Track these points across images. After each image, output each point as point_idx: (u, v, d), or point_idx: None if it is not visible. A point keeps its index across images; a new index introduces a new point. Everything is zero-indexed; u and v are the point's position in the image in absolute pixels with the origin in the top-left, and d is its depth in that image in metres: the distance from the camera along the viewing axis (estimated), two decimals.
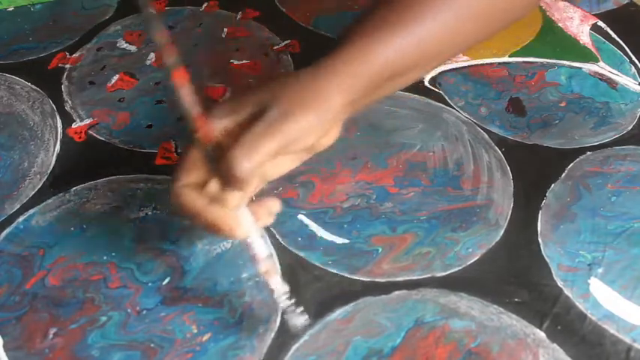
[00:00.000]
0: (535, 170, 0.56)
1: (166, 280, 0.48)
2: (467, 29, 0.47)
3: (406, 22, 0.44)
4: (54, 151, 0.58)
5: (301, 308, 0.44)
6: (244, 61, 0.67)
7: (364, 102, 0.45)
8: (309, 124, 0.41)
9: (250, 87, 0.43)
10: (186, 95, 0.40)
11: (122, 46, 0.68)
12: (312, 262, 0.49)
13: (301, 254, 0.50)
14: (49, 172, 0.56)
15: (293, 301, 0.44)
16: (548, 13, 0.73)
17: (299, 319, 0.44)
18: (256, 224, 0.43)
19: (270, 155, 0.40)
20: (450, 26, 0.45)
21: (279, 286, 0.43)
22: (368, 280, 0.48)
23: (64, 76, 0.65)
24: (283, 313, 0.44)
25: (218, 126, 0.42)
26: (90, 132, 0.59)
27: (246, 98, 0.42)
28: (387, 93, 0.48)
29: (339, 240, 0.51)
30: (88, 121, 0.60)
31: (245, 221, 0.42)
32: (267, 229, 0.51)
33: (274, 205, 0.45)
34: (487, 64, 0.67)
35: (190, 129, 0.41)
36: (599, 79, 0.65)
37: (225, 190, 0.41)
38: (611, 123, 0.61)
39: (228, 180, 0.40)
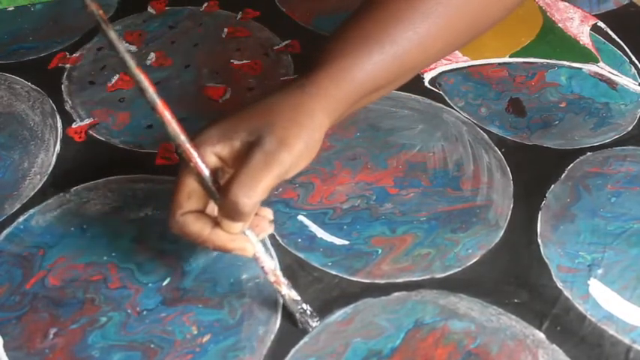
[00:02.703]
0: (535, 171, 0.56)
1: (166, 281, 0.48)
2: (438, 43, 0.48)
3: (382, 39, 0.45)
4: (54, 151, 0.58)
5: (311, 310, 0.45)
6: (244, 61, 0.67)
7: (345, 116, 0.47)
8: (300, 152, 0.41)
9: (240, 112, 0.44)
10: (175, 126, 0.41)
11: None
12: (311, 264, 0.49)
13: (301, 255, 0.50)
14: (49, 172, 0.56)
15: (303, 305, 0.45)
16: (548, 14, 0.73)
17: (311, 321, 0.45)
18: (259, 239, 0.44)
19: (270, 189, 0.41)
20: (423, 42, 0.47)
21: (289, 294, 0.45)
22: (368, 281, 0.48)
23: (64, 75, 0.65)
24: (295, 315, 0.45)
25: (211, 153, 0.42)
26: (90, 132, 0.59)
27: (238, 125, 0.42)
28: (366, 104, 0.49)
29: (339, 241, 0.51)
30: (88, 121, 0.60)
31: (251, 239, 0.43)
32: None
33: (269, 213, 0.46)
34: (487, 64, 0.67)
35: (183, 158, 0.41)
36: (599, 79, 0.65)
37: (227, 220, 0.41)
38: (611, 123, 0.61)
39: (231, 215, 0.41)
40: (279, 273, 0.44)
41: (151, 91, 0.40)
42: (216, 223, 0.42)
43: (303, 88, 0.44)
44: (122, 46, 0.39)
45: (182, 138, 0.41)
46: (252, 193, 0.40)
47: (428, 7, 0.46)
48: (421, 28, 0.46)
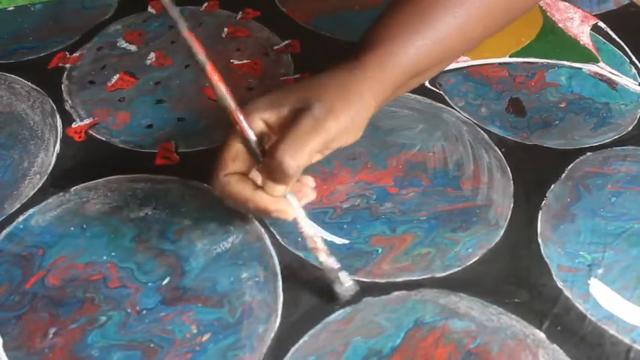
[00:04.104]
0: (535, 171, 0.56)
1: (166, 280, 0.48)
2: (477, 27, 0.50)
3: (422, 24, 0.47)
4: (54, 150, 0.58)
5: (349, 277, 0.46)
6: (244, 61, 0.67)
7: (389, 100, 0.49)
8: (347, 124, 0.43)
9: (288, 86, 0.46)
10: (223, 90, 0.42)
11: (122, 46, 0.68)
12: (311, 263, 0.49)
13: (301, 254, 0.50)
14: (49, 171, 0.56)
15: (340, 274, 0.46)
16: (548, 14, 0.73)
17: (347, 289, 0.46)
18: (300, 204, 0.45)
19: (314, 153, 0.42)
20: (462, 27, 0.48)
21: (327, 261, 0.46)
22: (368, 280, 0.48)
23: (64, 75, 0.65)
24: (332, 283, 0.46)
25: (259, 119, 0.44)
26: (90, 132, 0.59)
27: (287, 95, 0.44)
28: (408, 89, 0.52)
29: (339, 240, 0.51)
30: (88, 121, 0.60)
31: (292, 203, 0.44)
32: (267, 229, 0.51)
33: (311, 181, 0.48)
34: (487, 64, 0.67)
35: (230, 121, 0.43)
36: (600, 79, 0.65)
37: (270, 182, 0.43)
38: (611, 123, 0.61)
39: (275, 176, 0.42)
40: (317, 239, 0.45)
41: (201, 55, 0.41)
42: (258, 186, 0.43)
43: (351, 70, 0.46)
44: (176, 12, 0.40)
45: (229, 101, 0.42)
46: (297, 155, 0.41)
47: None
48: (459, 12, 0.48)
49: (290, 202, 0.44)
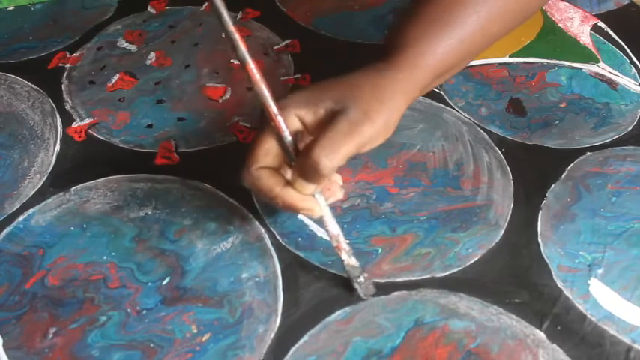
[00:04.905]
0: (535, 171, 0.56)
1: (166, 280, 0.48)
2: (497, 25, 0.50)
3: (449, 24, 0.48)
4: (54, 150, 0.58)
5: (367, 277, 0.47)
6: None
7: (414, 101, 0.49)
8: (380, 128, 0.43)
9: (322, 83, 0.46)
10: (263, 87, 0.42)
11: (122, 46, 0.68)
12: (312, 263, 0.49)
13: (301, 254, 0.50)
14: (49, 171, 0.56)
15: (361, 272, 0.47)
16: (548, 14, 0.73)
17: (366, 289, 0.47)
18: (328, 202, 0.46)
19: (349, 156, 0.42)
20: (485, 24, 0.49)
21: (349, 261, 0.46)
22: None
23: (65, 75, 0.65)
24: (352, 282, 0.47)
25: (294, 117, 0.44)
26: (90, 131, 0.59)
27: (323, 93, 0.44)
28: (429, 90, 0.52)
29: None
30: (88, 121, 0.60)
31: (320, 201, 0.45)
32: (267, 229, 0.51)
33: (339, 179, 0.48)
34: (487, 64, 0.67)
35: (265, 117, 0.43)
36: (600, 79, 0.65)
37: (301, 180, 0.43)
38: (612, 123, 0.61)
39: (309, 175, 0.42)
40: (342, 239, 0.46)
41: (243, 50, 0.41)
42: (287, 183, 0.44)
43: (381, 71, 0.46)
44: (221, 5, 0.40)
45: (267, 97, 0.42)
46: (333, 156, 0.41)
47: None
48: (482, 11, 0.48)
49: (317, 200, 0.45)
